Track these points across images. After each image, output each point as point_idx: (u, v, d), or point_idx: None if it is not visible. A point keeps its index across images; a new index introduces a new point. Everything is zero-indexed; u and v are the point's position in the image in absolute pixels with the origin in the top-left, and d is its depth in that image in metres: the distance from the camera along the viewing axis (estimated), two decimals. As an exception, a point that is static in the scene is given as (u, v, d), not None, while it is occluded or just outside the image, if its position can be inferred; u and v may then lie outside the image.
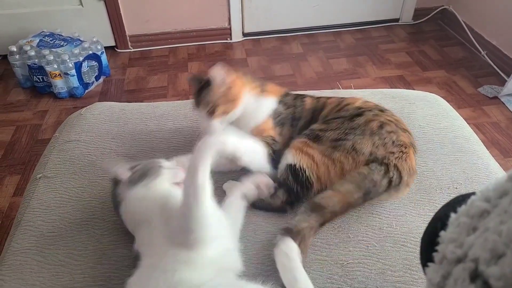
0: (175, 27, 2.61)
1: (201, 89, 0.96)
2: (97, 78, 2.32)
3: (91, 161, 1.03)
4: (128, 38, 2.59)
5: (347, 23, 2.80)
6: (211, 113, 0.93)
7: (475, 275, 0.26)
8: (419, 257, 0.44)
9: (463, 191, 0.91)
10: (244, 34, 2.71)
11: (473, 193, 0.35)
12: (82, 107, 1.26)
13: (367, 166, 0.85)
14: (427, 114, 1.16)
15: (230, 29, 2.66)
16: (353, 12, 2.76)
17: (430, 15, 2.81)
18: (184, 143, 1.08)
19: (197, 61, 2.51)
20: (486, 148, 1.10)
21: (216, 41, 2.69)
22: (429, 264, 0.33)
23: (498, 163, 1.06)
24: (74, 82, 2.17)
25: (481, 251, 0.27)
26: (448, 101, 1.28)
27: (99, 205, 0.91)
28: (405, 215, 0.88)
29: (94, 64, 2.27)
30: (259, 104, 0.98)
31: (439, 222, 0.38)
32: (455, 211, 0.35)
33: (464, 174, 0.97)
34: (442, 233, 0.34)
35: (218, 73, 0.93)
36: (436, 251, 0.33)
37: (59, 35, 2.30)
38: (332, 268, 0.78)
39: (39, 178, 0.99)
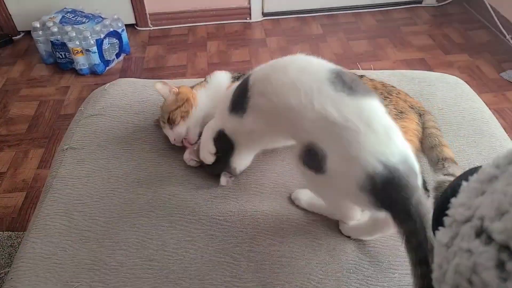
0: (194, 5, 2.61)
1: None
2: (117, 55, 2.35)
3: (115, 134, 1.07)
4: (148, 16, 2.60)
5: (368, 4, 2.74)
6: (172, 122, 0.97)
7: (480, 231, 0.28)
8: (431, 222, 0.45)
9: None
10: (264, 14, 2.69)
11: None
12: (103, 84, 1.29)
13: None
14: (446, 96, 1.15)
15: (249, 8, 2.64)
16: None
17: (455, -3, 2.73)
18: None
19: (216, 40, 2.52)
20: (506, 133, 1.10)
21: (235, 20, 2.68)
22: (440, 228, 0.35)
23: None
24: (96, 59, 2.21)
25: (487, 210, 0.29)
26: (469, 85, 1.27)
27: (123, 176, 0.95)
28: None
29: (115, 41, 2.31)
30: (214, 86, 1.03)
31: (451, 190, 0.40)
32: (466, 180, 0.36)
33: (481, 156, 0.97)
34: (453, 199, 0.35)
35: (162, 88, 1.00)
36: (446, 215, 0.35)
37: (81, 12, 2.33)
38: (345, 243, 0.81)
39: (66, 149, 1.03)
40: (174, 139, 0.98)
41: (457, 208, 0.33)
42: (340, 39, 2.47)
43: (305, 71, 0.69)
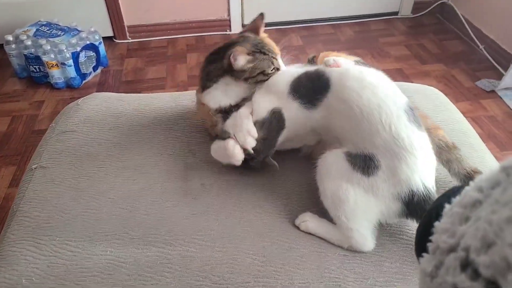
0: (174, 17, 2.59)
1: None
2: (94, 68, 2.30)
3: (88, 151, 1.02)
4: (126, 28, 2.56)
5: (346, 16, 2.78)
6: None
7: (466, 264, 0.27)
8: (414, 246, 0.44)
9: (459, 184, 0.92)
10: (244, 26, 2.69)
11: (468, 185, 0.35)
12: (79, 98, 1.25)
13: None
14: (425, 108, 1.15)
15: (229, 20, 2.64)
16: (352, 4, 2.74)
17: (429, 9, 2.80)
18: (181, 135, 1.08)
19: (196, 52, 2.50)
20: (483, 141, 1.10)
21: (215, 32, 2.67)
22: (423, 254, 0.34)
23: (495, 156, 1.06)
24: (71, 72, 2.15)
25: (472, 240, 0.27)
26: (446, 94, 1.28)
27: (95, 195, 0.90)
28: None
29: (92, 54, 2.26)
30: None
31: (434, 213, 0.38)
32: (449, 202, 0.35)
33: (461, 167, 0.97)
34: (436, 223, 0.34)
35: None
36: (430, 241, 0.33)
37: (56, 24, 2.28)
38: (329, 260, 0.79)
39: (35, 168, 0.98)
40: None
41: (440, 234, 0.32)
42: (320, 50, 2.48)
43: (389, 96, 0.80)
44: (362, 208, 0.78)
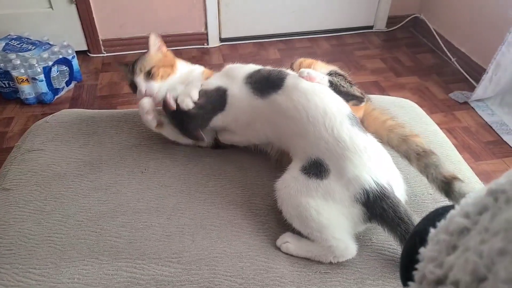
0: (150, 31, 2.55)
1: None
2: (67, 83, 2.24)
3: (55, 171, 0.97)
4: (101, 42, 2.51)
5: (323, 30, 2.81)
6: (152, 76, 1.00)
7: None
8: (399, 273, 0.42)
9: (437, 197, 0.91)
10: (221, 40, 2.68)
11: (452, 206, 0.33)
12: (51, 114, 1.20)
13: None
14: (402, 120, 1.15)
15: (207, 34, 2.63)
16: (329, 19, 2.78)
17: (402, 23, 2.87)
18: (155, 152, 1.04)
19: (172, 66, 2.46)
20: (458, 152, 1.11)
21: (193, 46, 2.65)
22: (409, 283, 0.31)
23: (470, 166, 1.07)
24: (43, 87, 2.08)
25: (462, 274, 0.25)
26: (420, 106, 1.29)
27: (62, 218, 0.85)
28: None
29: (65, 69, 2.19)
30: (191, 69, 1.10)
31: (417, 237, 0.37)
32: (434, 226, 0.33)
33: (438, 180, 0.97)
34: (421, 249, 0.32)
35: (153, 40, 1.05)
36: (415, 268, 0.31)
37: (27, 38, 2.21)
38: (310, 279, 0.76)
39: (-2, 190, 0.92)
40: (145, 91, 1.01)
41: (427, 263, 0.30)
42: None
43: (334, 103, 0.86)
44: (328, 217, 0.78)
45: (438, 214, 0.36)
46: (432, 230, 0.33)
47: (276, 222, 0.87)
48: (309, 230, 0.79)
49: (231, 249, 0.81)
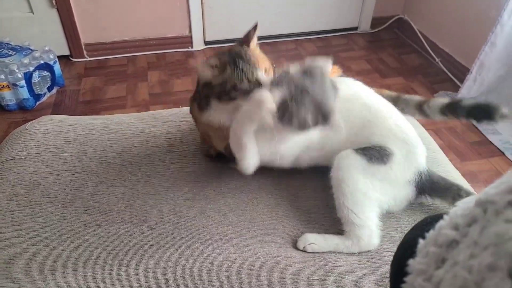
0: (133, 35, 2.53)
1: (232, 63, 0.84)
2: (49, 89, 2.19)
3: (35, 180, 0.94)
4: (83, 46, 2.47)
5: (308, 32, 2.81)
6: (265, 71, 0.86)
7: None
8: (389, 282, 0.41)
9: (424, 200, 0.91)
10: (206, 42, 2.66)
11: (441, 216, 0.33)
12: (33, 120, 1.17)
13: None
14: (387, 122, 1.16)
15: (191, 37, 2.61)
16: (313, 20, 2.78)
17: (386, 24, 2.89)
18: (139, 159, 1.02)
19: (157, 70, 2.44)
20: (444, 152, 1.12)
21: (177, 49, 2.62)
22: None
23: (456, 167, 1.08)
24: (24, 93, 2.03)
25: None
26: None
27: (42, 229, 0.83)
28: (368, 227, 0.86)
29: (46, 74, 2.15)
30: None
31: (407, 248, 0.36)
32: (423, 237, 0.32)
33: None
34: (410, 261, 0.31)
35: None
36: (404, 282, 0.30)
37: (7, 44, 2.16)
38: (298, 287, 0.75)
39: (-25, 202, 0.89)
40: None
41: (416, 276, 0.29)
42: (282, 65, 2.49)
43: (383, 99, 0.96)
44: (378, 198, 0.84)
45: (427, 223, 0.35)
46: (421, 241, 0.32)
47: (262, 229, 0.86)
48: (357, 211, 0.82)
49: (216, 257, 0.79)
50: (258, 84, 0.83)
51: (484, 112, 0.94)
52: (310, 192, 0.95)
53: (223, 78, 0.83)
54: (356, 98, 0.93)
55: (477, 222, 0.27)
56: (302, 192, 0.95)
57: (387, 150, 0.85)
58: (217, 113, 0.88)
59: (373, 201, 0.84)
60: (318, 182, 0.95)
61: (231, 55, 0.86)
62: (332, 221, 0.87)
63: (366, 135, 0.89)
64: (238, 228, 0.85)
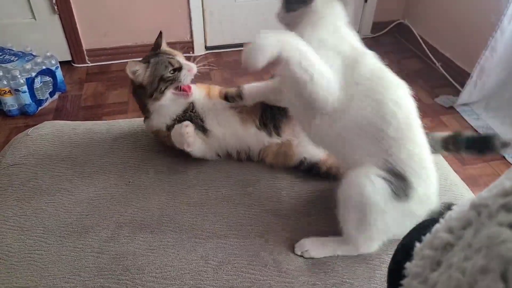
0: (135, 40, 2.54)
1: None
2: (51, 94, 2.20)
3: (37, 186, 0.95)
4: (85, 52, 2.49)
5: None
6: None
7: None
8: (387, 285, 0.41)
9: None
10: (207, 48, 2.68)
11: (438, 219, 0.33)
12: (34, 125, 1.18)
13: None
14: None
15: (192, 42, 2.62)
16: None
17: (387, 29, 2.90)
18: (141, 163, 1.03)
19: (158, 75, 2.45)
20: (445, 157, 1.12)
21: (179, 54, 2.63)
22: None
23: (456, 171, 1.08)
24: (26, 99, 2.05)
25: None
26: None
27: (44, 234, 0.83)
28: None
29: (48, 79, 2.16)
30: None
31: (404, 251, 0.36)
32: (420, 240, 0.32)
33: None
34: (407, 264, 0.31)
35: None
36: (401, 285, 0.31)
37: (9, 49, 2.18)
38: (296, 291, 0.75)
39: (-24, 207, 0.90)
40: None
41: (412, 279, 0.29)
42: (284, 70, 2.50)
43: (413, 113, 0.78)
44: (386, 226, 0.75)
45: (424, 227, 0.36)
46: (417, 245, 0.32)
47: (263, 232, 0.86)
48: (367, 234, 0.77)
49: (216, 261, 0.79)
50: (180, 68, 0.97)
51: (484, 144, 0.83)
52: (309, 195, 0.95)
53: (150, 73, 0.96)
54: (384, 83, 0.78)
55: (471, 225, 0.27)
56: (303, 195, 0.95)
57: (408, 182, 0.71)
58: (158, 116, 1.00)
59: (382, 235, 0.78)
60: (317, 186, 0.95)
61: (150, 53, 1.02)
62: (332, 222, 0.87)
63: (378, 144, 0.72)
64: (239, 232, 0.85)
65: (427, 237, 0.32)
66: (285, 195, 0.95)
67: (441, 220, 0.32)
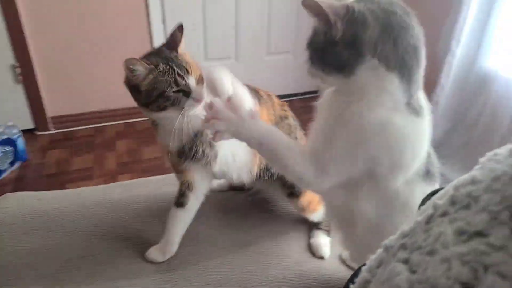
0: (101, 106, 2.57)
1: None
2: (12, 164, 2.15)
3: (-3, 263, 0.91)
4: (49, 119, 2.48)
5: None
6: None
7: None
8: None
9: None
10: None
11: None
12: (-7, 197, 1.14)
13: None
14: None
15: (158, 106, 2.68)
16: (279, 84, 2.96)
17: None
18: (107, 232, 1.01)
19: (126, 139, 2.46)
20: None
21: (146, 118, 2.66)
22: None
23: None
24: (-15, 170, 1.98)
25: None
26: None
27: (3, 316, 0.79)
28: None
29: (9, 149, 2.12)
30: None
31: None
32: (353, 282, 0.37)
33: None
34: None
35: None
36: None
37: (-32, 120, 2.14)
38: None
39: None
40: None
41: None
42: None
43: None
44: None
45: (358, 270, 0.41)
46: (351, 286, 0.37)
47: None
48: None
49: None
50: (186, 92, 0.79)
51: None
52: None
53: (150, 82, 0.79)
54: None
55: (382, 263, 0.33)
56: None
57: None
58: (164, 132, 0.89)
59: None
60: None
61: (161, 55, 0.81)
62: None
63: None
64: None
65: (360, 276, 0.37)
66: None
67: (367, 261, 0.37)
